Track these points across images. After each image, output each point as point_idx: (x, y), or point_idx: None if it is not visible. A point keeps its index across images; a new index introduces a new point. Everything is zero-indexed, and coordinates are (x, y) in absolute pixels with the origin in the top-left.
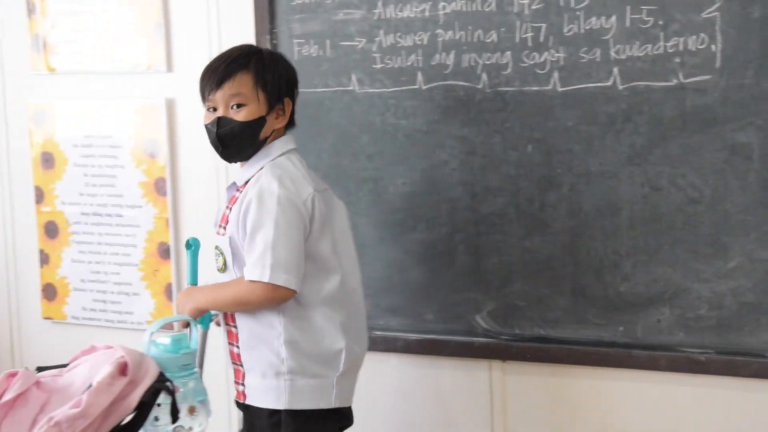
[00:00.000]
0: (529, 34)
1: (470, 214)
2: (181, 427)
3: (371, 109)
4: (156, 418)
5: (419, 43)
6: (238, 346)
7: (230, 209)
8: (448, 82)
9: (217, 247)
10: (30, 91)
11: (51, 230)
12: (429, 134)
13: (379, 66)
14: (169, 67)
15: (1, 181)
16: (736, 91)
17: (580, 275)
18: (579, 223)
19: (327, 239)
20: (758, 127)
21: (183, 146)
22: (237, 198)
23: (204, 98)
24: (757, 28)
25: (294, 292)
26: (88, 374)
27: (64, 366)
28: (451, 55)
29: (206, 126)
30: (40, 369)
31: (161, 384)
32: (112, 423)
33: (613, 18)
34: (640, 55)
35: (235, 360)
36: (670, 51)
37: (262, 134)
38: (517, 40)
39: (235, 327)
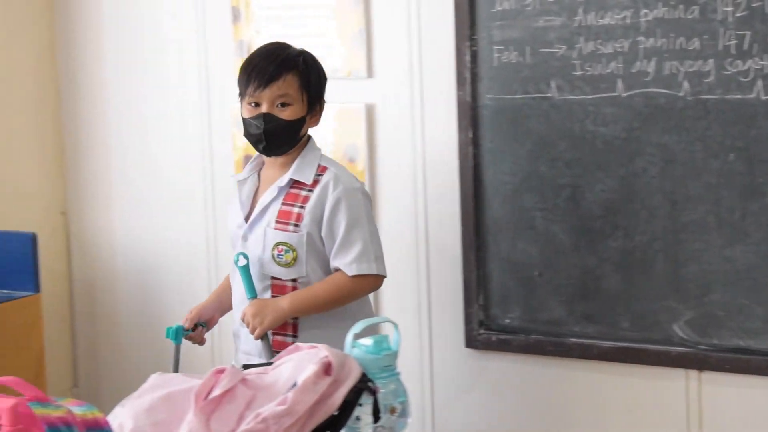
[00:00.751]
0: (733, 42)
1: (669, 222)
2: (382, 427)
3: (570, 116)
4: (357, 418)
5: (620, 50)
6: (294, 336)
7: (296, 207)
8: (648, 90)
9: (284, 243)
10: (234, 96)
11: None
12: (628, 141)
13: (578, 73)
14: (370, 73)
15: (204, 183)
16: None
17: None
18: None
19: None
20: None
21: (382, 151)
22: (299, 196)
23: (245, 93)
24: None
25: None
26: (293, 373)
27: (269, 364)
28: (652, 63)
29: (247, 119)
30: (245, 366)
31: (364, 384)
32: (315, 421)
33: None
34: None
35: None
36: None
37: (301, 133)
38: (720, 47)
39: (293, 318)
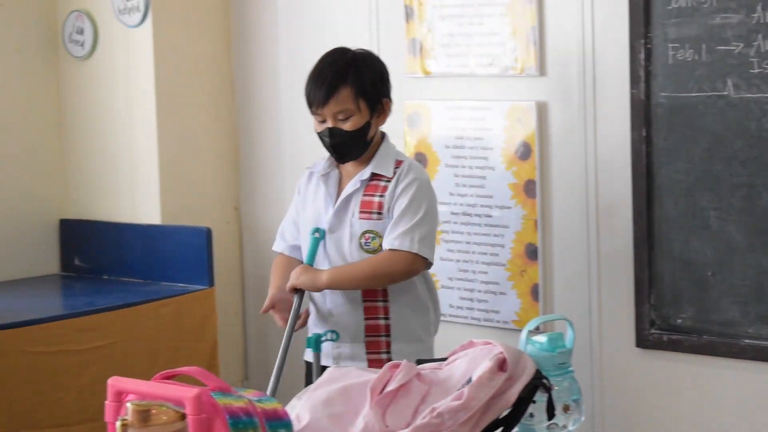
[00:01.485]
0: None
1: None
2: (555, 424)
3: (747, 115)
4: (531, 415)
5: None
6: (387, 318)
7: (376, 196)
8: None
9: (371, 231)
10: (405, 94)
11: None
12: None
13: (756, 71)
14: (542, 71)
15: None
16: None
17: None
18: None
19: None
20: None
21: (553, 149)
22: (378, 186)
23: (310, 109)
24: None
25: (430, 264)
26: (467, 369)
27: (443, 360)
28: None
29: (318, 133)
30: (420, 361)
31: (539, 381)
32: (490, 417)
33: None
34: None
35: (381, 331)
36: None
37: (369, 136)
38: None
39: (384, 301)
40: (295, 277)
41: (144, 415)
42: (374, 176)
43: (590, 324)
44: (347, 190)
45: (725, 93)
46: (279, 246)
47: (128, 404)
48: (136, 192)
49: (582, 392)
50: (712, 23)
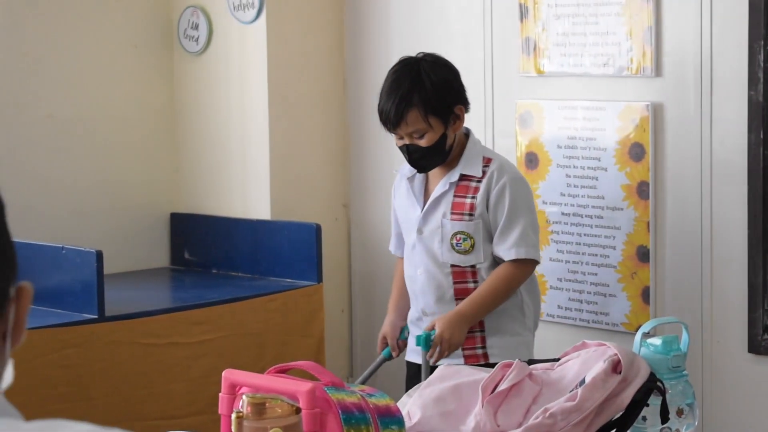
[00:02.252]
0: None
1: None
2: (669, 429)
3: None
4: (643, 418)
5: None
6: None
7: (467, 197)
8: None
9: (463, 232)
10: (517, 93)
11: None
12: None
13: None
14: (657, 72)
15: None
16: None
17: None
18: None
19: None
20: None
21: (668, 151)
22: (468, 188)
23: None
24: None
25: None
26: (580, 370)
27: (555, 360)
28: None
29: (399, 148)
30: (531, 362)
31: (653, 383)
32: (603, 420)
33: None
34: None
35: (475, 327)
36: None
37: (447, 145)
38: None
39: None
40: (448, 346)
41: (259, 408)
42: (463, 177)
43: (701, 329)
44: (436, 191)
45: None
46: (397, 249)
47: (243, 397)
48: (246, 187)
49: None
50: None
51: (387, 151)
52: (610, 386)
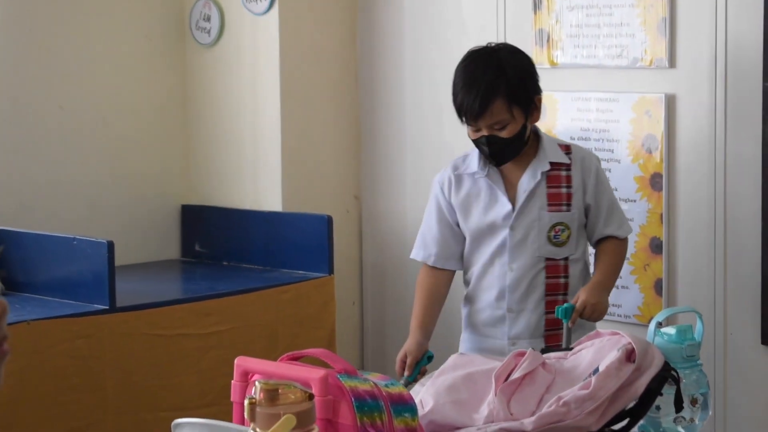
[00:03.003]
0: None
1: None
2: (683, 418)
3: None
4: (657, 407)
5: None
6: (565, 294)
7: (563, 187)
8: None
9: (561, 223)
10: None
11: None
12: None
13: None
14: (672, 63)
15: None
16: None
17: None
18: None
19: None
20: None
21: (682, 143)
22: (560, 177)
23: (463, 121)
24: None
25: None
26: (593, 359)
27: (569, 349)
28: None
29: (474, 140)
30: (545, 350)
31: (667, 372)
32: (617, 408)
33: None
34: None
35: (560, 325)
36: None
37: (526, 137)
38: None
39: (564, 294)
40: (599, 313)
41: (272, 395)
42: (552, 166)
43: (715, 320)
44: (527, 184)
45: None
46: (421, 254)
47: (256, 383)
48: (258, 179)
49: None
50: None
51: (399, 143)
52: (624, 375)
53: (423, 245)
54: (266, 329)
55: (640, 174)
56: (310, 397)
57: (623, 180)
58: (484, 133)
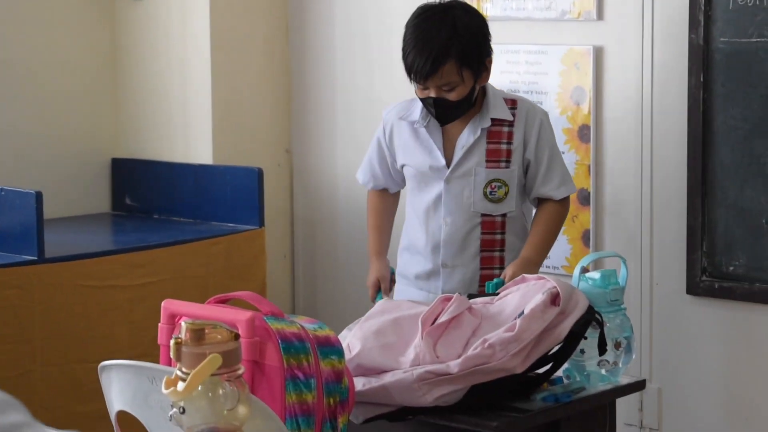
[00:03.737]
0: None
1: None
2: (606, 361)
3: None
4: (582, 351)
5: None
6: (501, 267)
7: (503, 144)
8: None
9: (498, 180)
10: None
11: None
12: None
13: None
14: (600, 15)
15: None
16: None
17: None
18: None
19: None
20: None
21: (609, 95)
22: (501, 133)
23: (411, 79)
24: None
25: None
26: (519, 303)
27: (495, 295)
28: None
29: (421, 99)
30: (471, 296)
31: (591, 316)
32: (541, 350)
33: None
34: None
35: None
36: None
37: (473, 98)
38: None
39: (501, 251)
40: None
41: (198, 334)
42: (494, 122)
43: (641, 271)
44: (467, 139)
45: None
46: (361, 178)
47: (182, 323)
48: (188, 132)
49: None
50: None
51: (330, 97)
52: (548, 318)
53: (363, 170)
54: (197, 281)
55: (568, 126)
56: (236, 337)
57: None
58: (432, 94)
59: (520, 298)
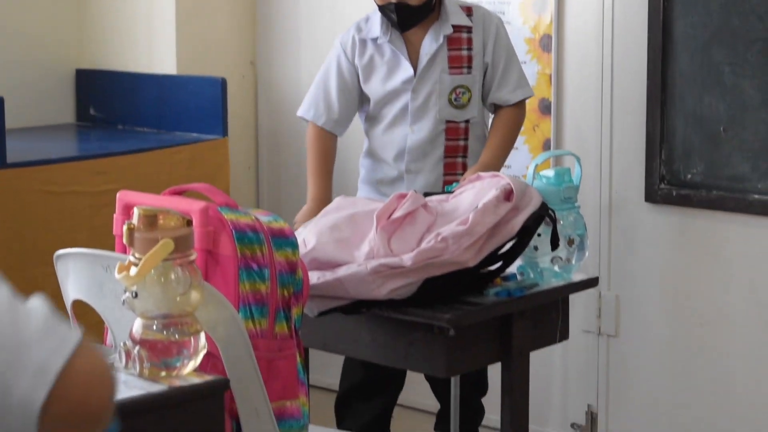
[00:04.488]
0: None
1: None
2: (559, 258)
3: None
4: (535, 248)
5: None
6: (464, 157)
7: (464, 50)
8: None
9: (462, 86)
10: None
11: None
12: None
13: None
14: None
15: None
16: None
17: None
18: None
19: None
20: None
21: (570, 5)
22: (461, 39)
23: None
24: None
25: None
26: (474, 200)
27: (451, 193)
28: None
29: (381, 6)
30: (427, 194)
31: (544, 211)
32: (494, 244)
33: None
34: None
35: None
36: None
37: (433, 3)
38: None
39: (464, 156)
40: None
41: (150, 220)
42: (455, 29)
43: (600, 179)
44: (429, 47)
45: None
46: (311, 114)
47: (135, 209)
48: (152, 42)
49: (588, 230)
50: None
51: (295, 9)
52: (501, 212)
53: (314, 105)
54: (159, 190)
55: (530, 36)
56: (189, 223)
57: (514, 42)
58: (392, 0)
59: (475, 195)
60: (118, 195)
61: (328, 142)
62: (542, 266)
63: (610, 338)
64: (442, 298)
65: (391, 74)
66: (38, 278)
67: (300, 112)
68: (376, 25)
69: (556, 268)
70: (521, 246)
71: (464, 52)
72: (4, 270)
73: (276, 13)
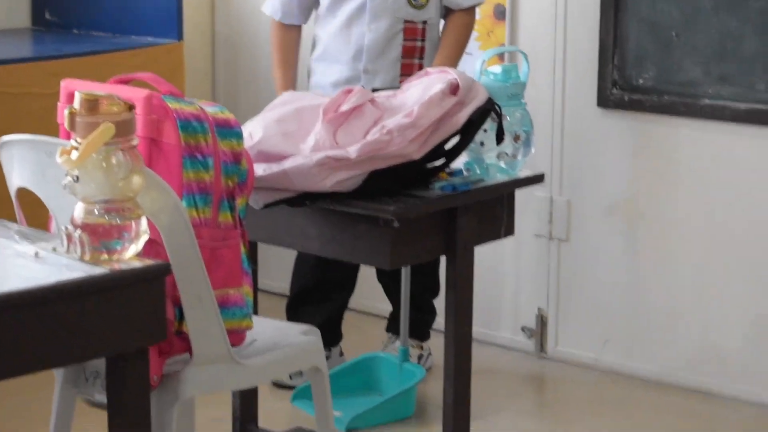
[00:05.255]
0: None
1: None
2: (505, 154)
3: None
4: (481, 143)
5: None
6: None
7: None
8: None
9: None
10: None
11: None
12: None
13: None
14: None
15: None
16: None
17: None
18: None
19: None
20: None
21: None
22: None
23: None
24: None
25: None
26: (422, 94)
27: (398, 88)
28: None
29: None
30: (375, 90)
31: (490, 106)
32: (439, 137)
33: None
34: None
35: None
36: None
37: None
38: None
39: (420, 59)
40: None
41: (92, 104)
42: None
43: (553, 83)
44: None
45: None
46: (269, 9)
47: (76, 93)
48: None
49: (542, 150)
50: None
51: None
52: (446, 105)
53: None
54: None
55: None
56: (131, 108)
57: None
58: None
59: (423, 89)
60: (62, 83)
61: (287, 35)
62: (488, 162)
63: (561, 242)
64: (387, 191)
65: None
66: None
67: (263, 7)
68: None
69: (501, 163)
70: (466, 140)
71: None
72: None
73: None
